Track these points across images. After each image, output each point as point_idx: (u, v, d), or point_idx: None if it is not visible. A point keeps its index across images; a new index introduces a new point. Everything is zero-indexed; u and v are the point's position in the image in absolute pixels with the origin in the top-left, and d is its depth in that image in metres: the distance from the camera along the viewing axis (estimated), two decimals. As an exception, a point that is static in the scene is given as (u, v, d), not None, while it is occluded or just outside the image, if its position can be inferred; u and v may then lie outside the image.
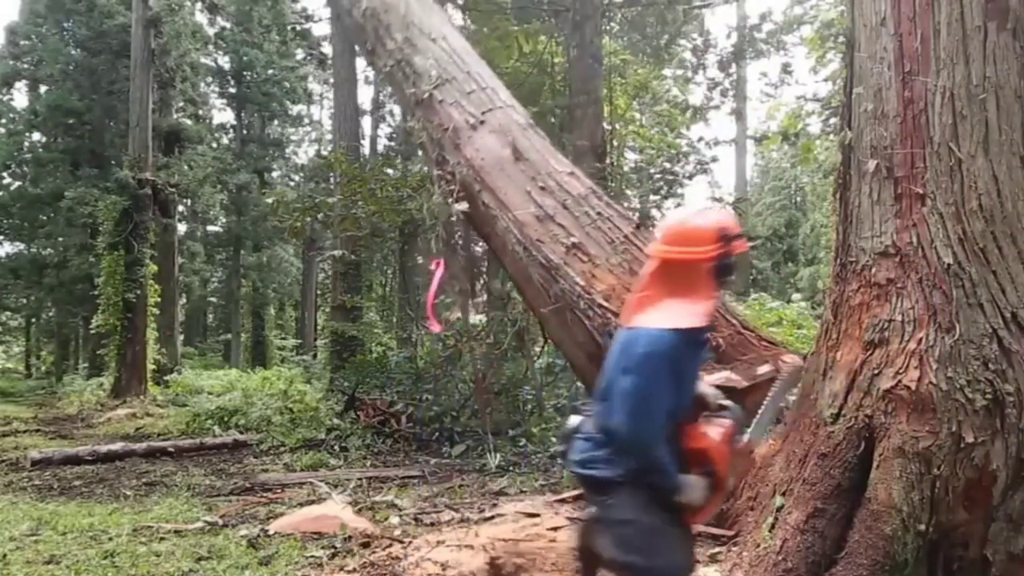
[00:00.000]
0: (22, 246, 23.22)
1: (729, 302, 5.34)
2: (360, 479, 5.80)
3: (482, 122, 4.87)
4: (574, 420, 2.21)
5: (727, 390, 3.68)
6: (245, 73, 26.37)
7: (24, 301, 24.96)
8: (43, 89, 21.81)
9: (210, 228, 28.66)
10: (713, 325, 4.14)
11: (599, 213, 4.54)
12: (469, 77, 5.18)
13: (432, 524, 4.31)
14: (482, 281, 13.72)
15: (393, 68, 5.41)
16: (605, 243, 4.41)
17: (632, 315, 2.12)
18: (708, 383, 3.98)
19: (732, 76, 26.95)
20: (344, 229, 10.49)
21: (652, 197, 16.40)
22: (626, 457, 1.99)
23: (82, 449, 7.70)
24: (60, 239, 21.03)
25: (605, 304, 4.10)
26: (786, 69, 21.30)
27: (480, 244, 13.64)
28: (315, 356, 20.89)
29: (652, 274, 2.13)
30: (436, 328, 5.63)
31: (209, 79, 25.84)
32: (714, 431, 2.12)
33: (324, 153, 24.66)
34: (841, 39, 4.96)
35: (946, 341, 2.76)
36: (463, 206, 4.78)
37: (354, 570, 3.43)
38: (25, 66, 21.90)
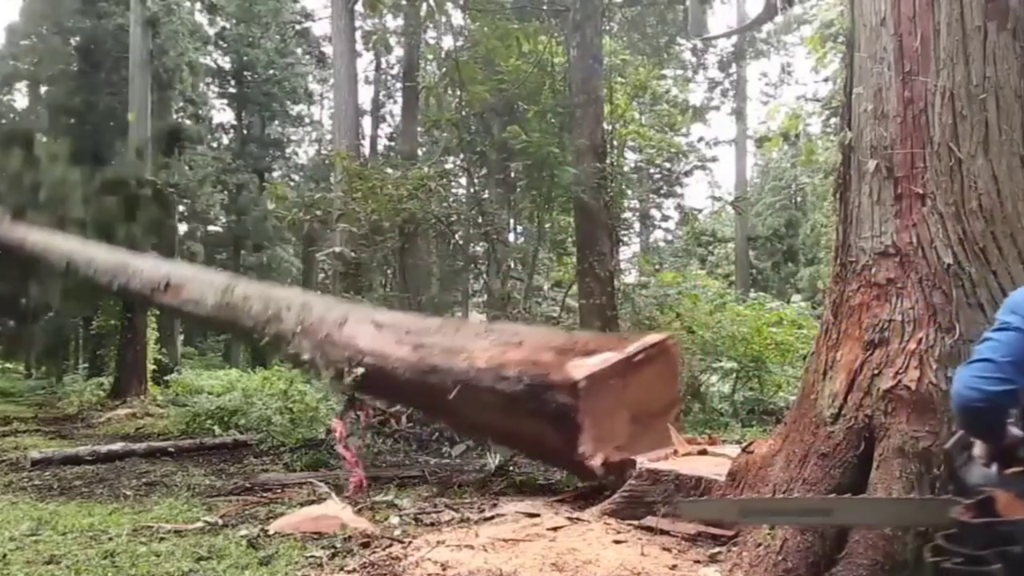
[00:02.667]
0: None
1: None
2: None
3: (345, 321, 6.11)
4: None
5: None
6: (245, 73, 26.37)
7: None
8: (43, 89, 21.80)
9: (210, 228, 28.66)
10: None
11: (456, 328, 5.76)
12: (325, 307, 6.73)
13: (432, 524, 4.31)
14: (482, 281, 13.73)
15: (273, 337, 6.74)
16: (471, 337, 5.31)
17: None
18: (591, 368, 4.22)
19: (732, 76, 27.00)
20: (344, 223, 10.55)
21: (652, 197, 16.41)
22: None
23: (82, 449, 7.69)
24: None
25: (491, 367, 4.91)
26: (786, 69, 21.38)
27: (479, 244, 13.67)
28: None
29: None
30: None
31: (209, 79, 25.84)
32: None
33: (324, 152, 24.70)
34: (841, 39, 4.97)
35: (946, 341, 2.76)
36: (352, 382, 5.88)
37: (354, 570, 3.42)
38: (25, 66, 21.89)
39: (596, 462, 4.34)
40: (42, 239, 10.03)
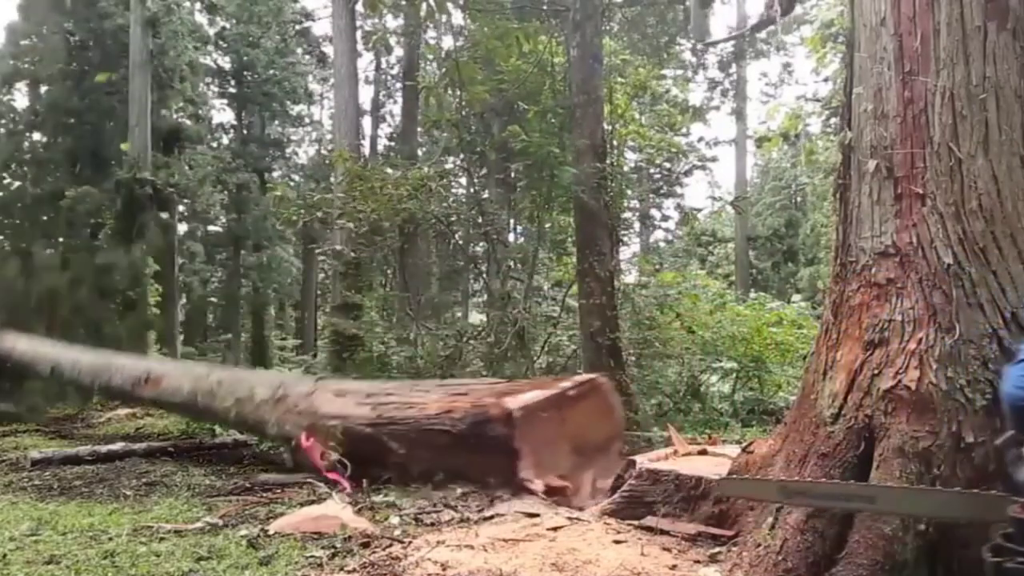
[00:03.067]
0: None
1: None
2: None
3: (314, 392, 6.70)
4: None
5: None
6: (245, 73, 26.36)
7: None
8: (43, 89, 21.80)
9: (210, 228, 28.66)
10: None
11: (411, 388, 6.29)
12: (291, 382, 7.40)
13: (432, 524, 4.31)
14: (482, 281, 13.73)
15: (244, 413, 7.26)
16: (422, 393, 5.87)
17: None
18: (525, 401, 4.64)
19: (732, 76, 27.00)
20: (345, 221, 10.57)
21: (652, 197, 16.41)
22: None
23: (82, 449, 7.67)
24: (60, 239, 21.03)
25: (440, 413, 5.42)
26: (786, 69, 21.37)
27: (479, 244, 13.67)
28: (315, 356, 20.89)
29: None
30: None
31: (209, 79, 25.83)
32: None
33: (324, 152, 24.69)
34: (841, 39, 4.99)
35: (946, 341, 2.76)
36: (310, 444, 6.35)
37: (354, 570, 3.43)
38: (25, 66, 21.89)
39: (537, 487, 4.68)
40: (30, 347, 10.40)
